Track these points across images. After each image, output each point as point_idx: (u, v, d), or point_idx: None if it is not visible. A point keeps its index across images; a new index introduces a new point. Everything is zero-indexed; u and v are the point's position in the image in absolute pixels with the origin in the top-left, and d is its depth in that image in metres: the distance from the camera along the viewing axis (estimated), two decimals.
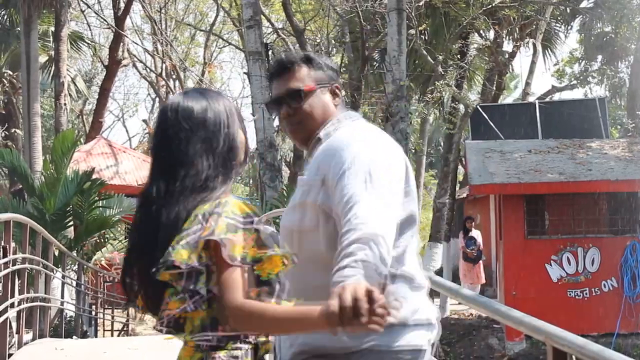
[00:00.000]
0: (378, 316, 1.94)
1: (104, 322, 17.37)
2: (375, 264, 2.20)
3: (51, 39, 25.46)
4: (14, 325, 8.62)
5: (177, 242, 2.33)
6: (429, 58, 18.22)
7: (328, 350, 2.50)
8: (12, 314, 7.68)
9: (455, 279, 18.19)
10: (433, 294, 4.33)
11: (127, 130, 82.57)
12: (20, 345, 9.14)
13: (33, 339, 9.97)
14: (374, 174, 2.43)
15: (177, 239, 2.34)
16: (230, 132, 2.54)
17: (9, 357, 7.39)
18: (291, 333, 2.50)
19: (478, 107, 19.03)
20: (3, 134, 26.15)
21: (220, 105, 2.56)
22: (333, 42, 26.29)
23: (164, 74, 33.32)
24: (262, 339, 2.44)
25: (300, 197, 2.64)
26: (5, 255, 7.67)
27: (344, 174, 2.45)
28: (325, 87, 2.82)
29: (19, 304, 8.36)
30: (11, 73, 26.60)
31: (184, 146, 2.48)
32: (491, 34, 21.75)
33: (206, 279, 2.33)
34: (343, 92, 2.90)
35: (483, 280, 18.32)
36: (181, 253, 2.30)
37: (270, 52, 22.17)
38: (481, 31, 21.11)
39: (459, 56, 19.97)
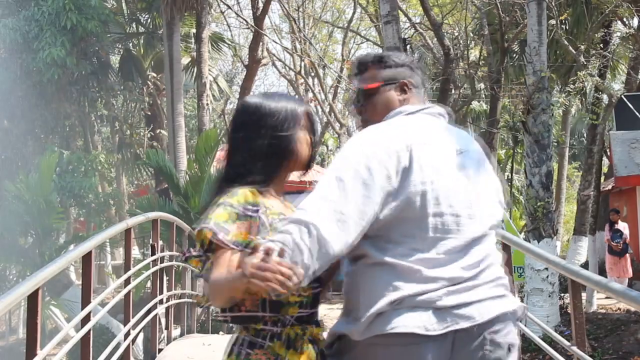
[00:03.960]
0: (281, 276, 2.27)
1: None
2: (292, 242, 2.48)
3: (193, 41, 26.19)
4: (162, 321, 8.91)
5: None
6: (570, 48, 17.85)
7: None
8: (161, 310, 7.94)
9: (602, 272, 17.80)
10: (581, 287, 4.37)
11: None
12: (169, 340, 9.30)
13: (181, 335, 10.17)
14: (337, 173, 2.65)
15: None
16: (281, 133, 2.73)
17: (159, 352, 7.68)
18: (230, 295, 2.59)
19: (622, 96, 18.53)
20: (149, 135, 27.13)
21: (279, 107, 2.76)
22: (471, 35, 26.04)
23: (302, 71, 33.71)
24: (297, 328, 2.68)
25: None
26: (153, 253, 7.92)
27: None
28: (392, 85, 2.96)
29: (167, 300, 8.56)
30: (155, 75, 27.51)
31: (229, 139, 2.78)
32: (635, 22, 21.11)
33: (204, 265, 2.65)
34: (417, 87, 3.00)
35: (630, 274, 17.86)
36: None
37: (408, 47, 22.24)
38: (624, 19, 20.49)
39: (601, 45, 19.47)
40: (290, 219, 2.56)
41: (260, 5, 25.08)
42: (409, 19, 28.21)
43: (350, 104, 3.05)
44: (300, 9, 32.84)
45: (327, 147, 40.72)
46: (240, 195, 2.65)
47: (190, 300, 10.92)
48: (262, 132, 2.74)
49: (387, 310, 2.61)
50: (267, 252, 2.31)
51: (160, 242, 8.15)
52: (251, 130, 2.76)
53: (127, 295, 6.54)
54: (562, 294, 15.41)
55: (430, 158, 2.74)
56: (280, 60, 36.24)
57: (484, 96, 30.99)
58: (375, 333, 2.61)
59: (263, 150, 2.74)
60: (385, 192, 2.64)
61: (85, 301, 5.20)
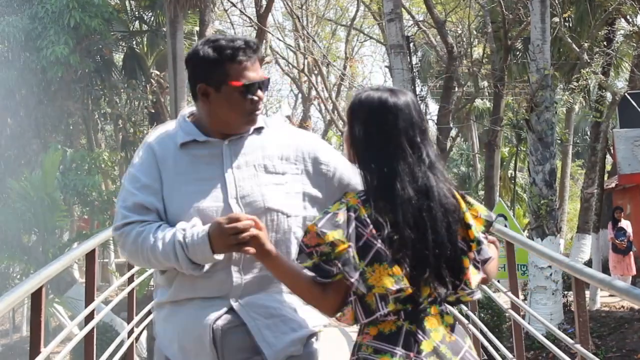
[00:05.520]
0: None
1: None
2: None
3: (196, 39, 26.20)
4: None
5: None
6: (573, 46, 17.84)
7: None
8: None
9: (605, 270, 17.79)
10: (584, 285, 4.37)
11: None
12: None
13: None
14: None
15: None
16: (360, 126, 2.71)
17: None
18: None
19: (626, 94, 18.51)
20: None
21: (365, 100, 2.74)
22: (475, 32, 26.03)
23: (306, 69, 33.75)
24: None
25: None
26: None
27: None
28: None
29: None
30: (159, 73, 27.47)
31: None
32: (639, 19, 21.08)
33: None
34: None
35: (634, 272, 17.86)
36: None
37: (411, 45, 22.24)
38: (628, 16, 20.47)
39: (605, 43, 19.45)
40: None
41: (264, 3, 25.06)
42: (412, 17, 28.21)
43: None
44: (304, 7, 32.83)
45: (330, 144, 40.77)
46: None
47: None
48: (359, 126, 2.78)
49: None
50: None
51: None
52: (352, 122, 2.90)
53: (130, 293, 6.55)
54: (566, 292, 15.41)
55: None
56: (283, 58, 36.27)
57: (487, 94, 30.98)
58: None
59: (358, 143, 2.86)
60: None
61: (89, 299, 5.21)
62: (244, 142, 2.90)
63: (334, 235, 2.54)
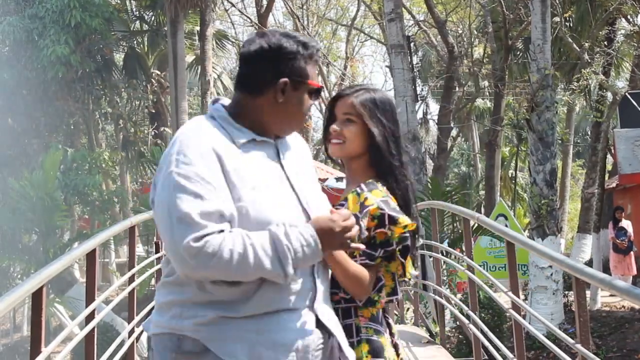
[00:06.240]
0: None
1: None
2: None
3: (197, 39, 26.18)
4: None
5: None
6: (574, 46, 17.84)
7: None
8: None
9: (606, 270, 17.78)
10: (585, 285, 4.37)
11: None
12: None
13: None
14: None
15: None
16: (390, 124, 3.07)
17: None
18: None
19: (627, 94, 18.50)
20: (153, 133, 27.12)
21: (390, 99, 3.12)
22: (475, 32, 26.05)
23: None
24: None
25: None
26: (157, 251, 7.92)
27: None
28: None
29: None
30: (159, 73, 27.47)
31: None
32: (639, 19, 21.06)
33: None
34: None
35: (635, 272, 17.84)
36: None
37: (412, 45, 22.24)
38: (629, 16, 20.46)
39: (605, 43, 19.44)
40: None
41: (264, 2, 25.09)
42: (413, 17, 28.23)
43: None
44: (304, 7, 32.86)
45: None
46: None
47: None
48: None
49: None
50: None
51: None
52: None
53: (131, 292, 6.57)
54: (566, 292, 15.41)
55: None
56: None
57: (488, 94, 31.00)
58: None
59: None
60: None
61: (90, 299, 5.21)
62: (285, 143, 2.78)
63: (404, 220, 2.84)
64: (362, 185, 2.91)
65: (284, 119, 2.69)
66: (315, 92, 2.72)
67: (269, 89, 2.64)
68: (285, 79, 2.64)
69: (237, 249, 2.40)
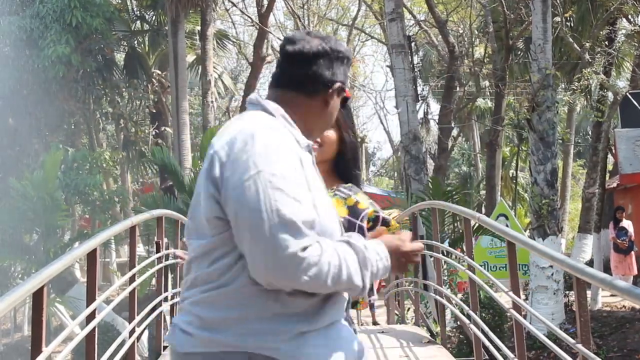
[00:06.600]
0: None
1: None
2: None
3: (198, 38, 26.19)
4: (167, 318, 8.91)
5: None
6: (575, 45, 17.83)
7: None
8: (166, 307, 7.94)
9: (607, 270, 17.78)
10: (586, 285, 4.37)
11: None
12: None
13: None
14: None
15: None
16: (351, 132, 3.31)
17: (163, 349, 7.66)
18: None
19: (628, 94, 18.50)
20: (154, 132, 27.14)
21: None
22: (476, 32, 26.05)
23: None
24: None
25: None
26: (158, 250, 7.86)
27: None
28: None
29: (172, 297, 8.58)
30: (160, 73, 27.50)
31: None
32: None
33: None
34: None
35: (635, 272, 17.85)
36: None
37: (413, 45, 22.23)
38: (629, 16, 20.46)
39: (606, 43, 19.44)
40: None
41: (265, 2, 25.08)
42: (414, 17, 28.21)
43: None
44: (305, 7, 32.86)
45: None
46: None
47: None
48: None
49: None
50: None
51: (165, 240, 8.15)
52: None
53: (132, 292, 6.55)
54: (567, 292, 15.41)
55: None
56: None
57: (488, 94, 30.99)
58: None
59: None
60: None
61: (90, 298, 5.21)
62: None
63: (394, 222, 3.05)
64: (343, 190, 2.91)
65: (323, 123, 2.65)
66: (345, 101, 2.66)
67: (323, 91, 2.58)
68: (340, 83, 2.60)
69: (334, 262, 2.30)
